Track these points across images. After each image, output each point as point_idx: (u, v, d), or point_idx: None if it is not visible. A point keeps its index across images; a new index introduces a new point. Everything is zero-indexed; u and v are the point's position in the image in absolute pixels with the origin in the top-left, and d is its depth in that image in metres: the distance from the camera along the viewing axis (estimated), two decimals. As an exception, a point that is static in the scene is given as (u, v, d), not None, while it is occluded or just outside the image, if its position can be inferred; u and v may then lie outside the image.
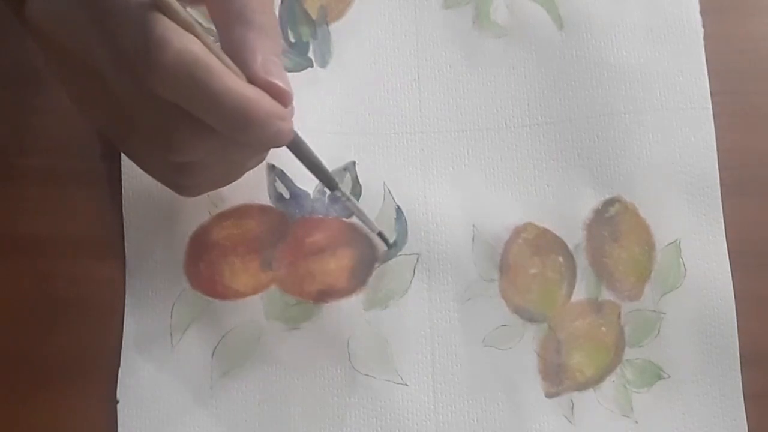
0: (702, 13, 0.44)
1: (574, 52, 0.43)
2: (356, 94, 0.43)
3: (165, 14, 0.27)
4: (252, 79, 0.29)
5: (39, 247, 0.41)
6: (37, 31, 0.31)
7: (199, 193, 0.37)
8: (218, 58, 0.28)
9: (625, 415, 0.40)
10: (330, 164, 0.42)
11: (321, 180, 0.36)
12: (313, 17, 0.44)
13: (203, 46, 0.28)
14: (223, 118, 0.29)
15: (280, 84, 0.30)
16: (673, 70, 0.43)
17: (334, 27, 0.44)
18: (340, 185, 0.37)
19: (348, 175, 0.42)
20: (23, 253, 0.41)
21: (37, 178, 0.42)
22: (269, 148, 0.33)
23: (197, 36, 0.28)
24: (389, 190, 0.42)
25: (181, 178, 0.33)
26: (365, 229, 0.41)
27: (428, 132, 0.43)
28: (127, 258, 0.41)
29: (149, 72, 0.27)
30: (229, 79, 0.28)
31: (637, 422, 0.39)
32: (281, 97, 0.30)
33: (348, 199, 0.37)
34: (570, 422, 0.39)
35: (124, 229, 0.41)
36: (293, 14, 0.44)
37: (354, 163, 0.42)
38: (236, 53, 0.30)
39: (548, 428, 0.39)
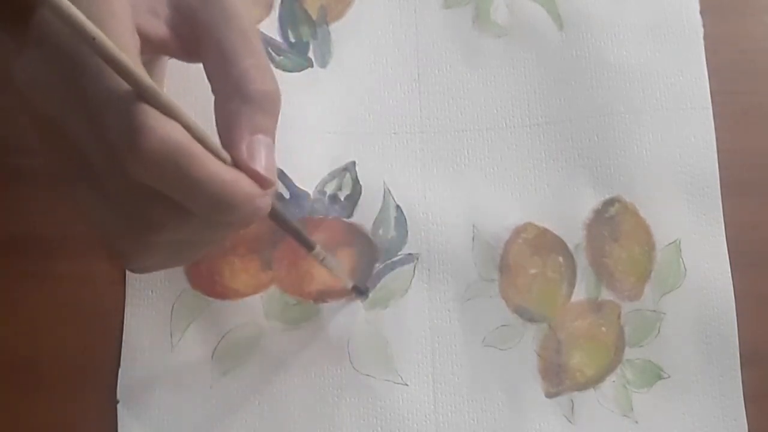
0: (702, 13, 0.44)
1: (574, 52, 0.43)
2: (356, 94, 0.43)
3: (148, 101, 0.27)
4: (235, 161, 0.29)
5: (39, 247, 0.41)
6: (22, 93, 0.30)
7: (153, 270, 0.36)
8: (200, 139, 0.28)
9: (625, 415, 0.40)
10: (330, 164, 0.42)
11: (299, 242, 0.36)
12: (313, 17, 0.44)
13: (186, 133, 0.27)
14: (204, 204, 0.28)
15: (261, 171, 0.29)
16: (673, 70, 0.43)
17: (334, 27, 0.44)
18: (316, 248, 0.36)
19: (348, 175, 0.42)
20: (23, 253, 0.41)
21: (37, 179, 0.42)
22: (247, 226, 0.33)
23: (180, 121, 0.27)
24: (389, 190, 0.42)
25: (145, 257, 0.32)
26: (365, 228, 0.41)
27: (428, 132, 0.43)
28: (127, 258, 0.41)
29: (131, 158, 0.27)
30: (212, 166, 0.28)
31: (637, 422, 0.39)
32: (261, 183, 0.29)
33: (324, 258, 0.37)
34: (570, 422, 0.39)
35: (124, 229, 0.41)
36: (293, 14, 0.44)
37: (354, 163, 0.42)
38: (226, 126, 0.30)
39: (548, 428, 0.39)
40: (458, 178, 0.42)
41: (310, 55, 0.43)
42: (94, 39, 0.25)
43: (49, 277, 0.41)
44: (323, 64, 0.43)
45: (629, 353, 0.40)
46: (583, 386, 0.40)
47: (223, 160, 0.29)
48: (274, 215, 0.33)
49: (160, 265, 0.35)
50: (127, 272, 0.41)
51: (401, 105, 0.43)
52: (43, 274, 0.41)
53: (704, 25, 0.43)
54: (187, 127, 0.28)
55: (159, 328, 0.40)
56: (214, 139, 0.29)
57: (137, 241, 0.31)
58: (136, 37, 0.30)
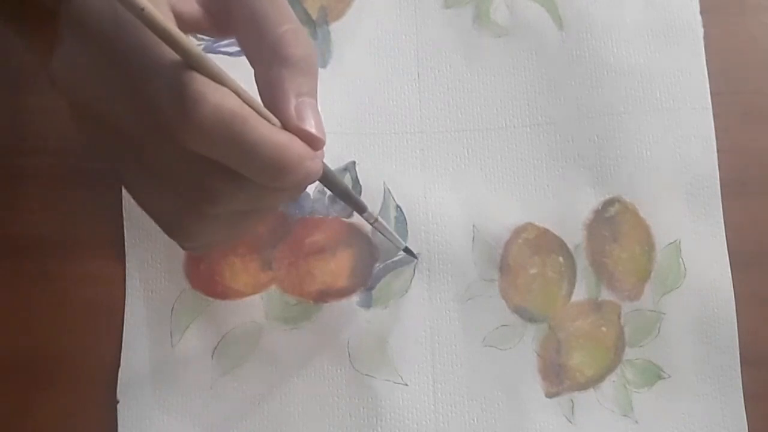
0: (702, 13, 0.44)
1: (574, 52, 0.43)
2: (356, 94, 0.43)
3: (197, 69, 0.27)
4: (285, 124, 0.29)
5: (39, 247, 0.41)
6: (61, 88, 0.30)
7: (208, 249, 0.36)
8: (250, 105, 0.28)
9: (625, 415, 0.40)
10: (330, 164, 0.42)
11: (350, 205, 0.36)
12: (313, 17, 0.44)
13: (237, 99, 0.28)
14: (259, 168, 0.29)
15: (312, 131, 0.30)
16: (673, 70, 0.43)
17: (334, 27, 0.44)
18: (368, 209, 0.37)
19: (348, 175, 0.42)
20: (23, 253, 0.41)
21: (37, 178, 0.42)
22: (301, 190, 0.33)
23: (229, 87, 0.28)
24: (389, 190, 0.42)
25: (202, 232, 0.33)
26: (365, 228, 0.41)
27: (428, 132, 0.43)
28: (127, 258, 0.41)
29: (185, 128, 0.27)
30: (264, 130, 0.28)
31: (637, 422, 0.39)
32: (313, 143, 0.30)
33: (376, 220, 0.37)
34: (570, 422, 0.39)
35: (124, 229, 0.41)
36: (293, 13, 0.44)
37: (354, 163, 0.42)
38: (270, 94, 0.30)
39: (548, 428, 0.39)
40: (458, 178, 0.42)
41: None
42: (143, 9, 0.25)
43: (49, 277, 0.41)
44: (323, 64, 0.43)
45: (629, 353, 0.40)
46: (583, 386, 0.40)
47: (273, 125, 0.29)
48: (325, 177, 0.33)
49: (215, 242, 0.35)
50: (127, 272, 0.41)
51: (401, 105, 0.43)
52: (43, 274, 0.41)
53: (704, 25, 0.43)
54: (237, 93, 0.28)
55: (159, 328, 0.40)
56: (262, 104, 0.29)
57: (193, 216, 0.31)
58: (171, 14, 0.30)
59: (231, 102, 0.27)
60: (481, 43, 0.44)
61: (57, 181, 0.42)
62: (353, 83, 0.43)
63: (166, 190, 0.31)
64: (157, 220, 0.33)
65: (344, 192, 0.35)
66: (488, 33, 0.44)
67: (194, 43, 0.27)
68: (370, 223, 0.37)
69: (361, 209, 0.36)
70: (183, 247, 0.34)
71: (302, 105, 0.30)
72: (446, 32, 0.44)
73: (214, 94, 0.27)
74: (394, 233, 0.39)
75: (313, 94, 0.31)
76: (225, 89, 0.28)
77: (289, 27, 0.31)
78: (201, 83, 0.27)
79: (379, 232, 0.38)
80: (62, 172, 0.42)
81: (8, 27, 0.43)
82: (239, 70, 0.30)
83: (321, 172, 0.31)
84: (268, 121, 0.29)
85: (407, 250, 0.40)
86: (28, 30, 0.43)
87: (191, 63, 0.27)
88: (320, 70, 0.43)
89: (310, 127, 0.30)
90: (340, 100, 0.43)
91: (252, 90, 0.30)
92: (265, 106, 0.30)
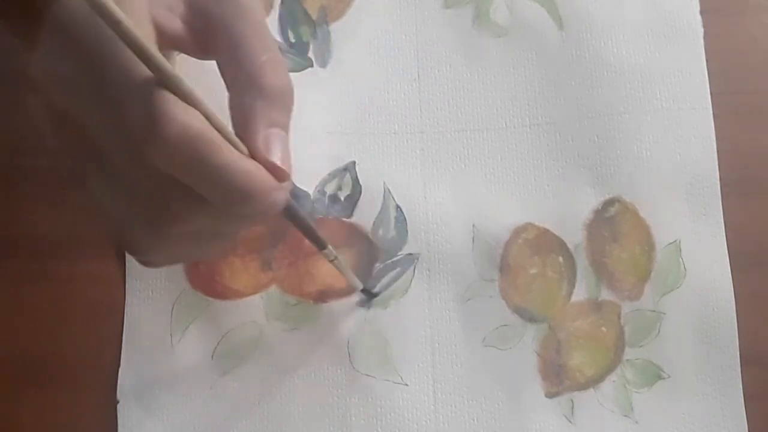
0: (702, 13, 0.44)
1: (574, 52, 0.43)
2: (356, 94, 0.43)
3: (169, 88, 0.27)
4: (252, 153, 0.29)
5: (39, 247, 0.41)
6: (39, 90, 0.30)
7: (163, 265, 0.36)
8: (219, 129, 0.28)
9: (625, 415, 0.40)
10: (330, 164, 0.42)
11: (311, 240, 0.36)
12: (313, 17, 0.44)
13: (206, 121, 0.28)
14: (221, 192, 0.29)
15: (278, 163, 0.30)
16: (673, 70, 0.43)
17: (334, 27, 0.44)
18: (328, 247, 0.36)
19: (348, 175, 0.42)
20: (23, 253, 0.41)
21: (37, 178, 0.42)
22: (262, 219, 0.33)
23: (200, 109, 0.28)
24: (389, 190, 0.42)
25: (158, 249, 0.32)
26: (365, 228, 0.41)
27: (428, 132, 0.43)
28: (127, 258, 0.41)
29: (151, 145, 0.27)
30: (230, 155, 0.28)
31: (637, 422, 0.39)
32: (277, 175, 0.30)
33: (336, 258, 0.37)
34: (570, 422, 0.39)
35: (124, 229, 0.41)
36: (293, 14, 0.44)
37: (354, 163, 0.42)
38: (242, 121, 0.30)
39: (548, 428, 0.39)
40: (458, 178, 0.42)
41: (310, 55, 0.43)
42: (119, 23, 0.25)
43: (49, 277, 0.41)
44: (323, 64, 0.43)
45: (629, 353, 0.40)
46: (583, 386, 0.40)
47: (240, 152, 0.29)
48: (288, 211, 0.33)
49: (171, 260, 0.35)
50: (127, 272, 0.41)
51: (401, 105, 0.43)
52: (43, 274, 0.41)
53: (704, 25, 0.43)
54: (207, 117, 0.28)
55: (159, 328, 0.40)
56: (231, 130, 0.29)
57: (152, 233, 0.31)
58: (152, 29, 0.30)
59: (198, 124, 0.27)
60: (481, 43, 0.44)
61: (57, 181, 0.41)
62: (353, 83, 0.43)
63: (128, 203, 0.31)
64: (117, 231, 0.33)
65: (306, 226, 0.35)
66: (488, 33, 0.44)
67: (167, 63, 0.27)
68: (329, 261, 0.37)
69: (321, 245, 0.36)
70: (138, 261, 0.34)
71: (271, 136, 0.30)
72: (446, 32, 0.44)
73: (182, 114, 0.27)
74: (352, 275, 0.39)
75: (284, 126, 0.31)
76: (194, 111, 0.28)
77: (268, 57, 0.30)
78: (170, 102, 0.27)
79: (338, 269, 0.38)
80: (62, 173, 0.42)
81: (8, 27, 0.43)
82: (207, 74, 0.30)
83: (284, 203, 0.31)
84: (236, 147, 0.29)
85: (365, 291, 0.40)
86: (28, 30, 0.43)
87: (164, 81, 0.27)
88: (320, 70, 0.43)
89: (276, 158, 0.30)
90: (340, 100, 0.43)
91: (223, 112, 0.30)
92: (236, 133, 0.30)
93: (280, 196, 0.30)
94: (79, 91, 0.29)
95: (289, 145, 0.31)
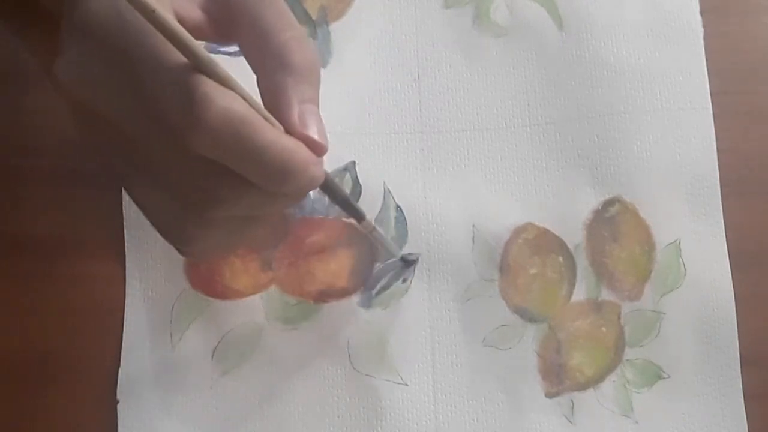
0: (702, 13, 0.44)
1: (574, 52, 0.43)
2: (356, 94, 0.43)
3: (205, 72, 0.27)
4: (288, 130, 0.30)
5: (39, 247, 0.41)
6: (66, 92, 0.30)
7: (209, 257, 0.36)
8: (256, 110, 0.28)
9: (625, 415, 0.40)
10: (330, 164, 0.42)
11: (348, 213, 0.36)
12: (313, 17, 0.44)
13: (244, 102, 0.28)
14: (265, 172, 0.29)
15: (316, 137, 0.30)
16: (673, 70, 0.43)
17: (334, 27, 0.44)
18: (366, 218, 0.36)
19: (348, 175, 0.42)
20: (23, 253, 0.41)
21: (37, 178, 0.42)
22: (303, 197, 0.33)
23: (237, 91, 0.28)
24: (389, 190, 0.42)
25: (202, 237, 0.33)
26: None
27: (428, 132, 0.43)
28: (127, 258, 0.41)
29: (192, 131, 0.27)
30: (271, 134, 0.28)
31: (637, 422, 0.39)
32: (316, 149, 0.30)
33: (374, 229, 0.37)
34: (570, 422, 0.39)
35: (124, 229, 0.41)
36: (293, 14, 0.44)
37: (354, 163, 0.42)
38: (273, 100, 0.30)
39: (548, 428, 0.39)
40: (458, 178, 0.42)
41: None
42: (153, 11, 0.25)
43: (49, 277, 0.41)
44: (323, 64, 0.43)
45: (629, 353, 0.40)
46: (583, 386, 0.40)
47: (278, 130, 0.29)
48: (326, 185, 0.33)
49: (216, 249, 0.35)
50: (127, 272, 0.41)
51: (401, 105, 0.43)
52: (43, 274, 0.41)
53: (704, 25, 0.43)
54: (244, 98, 0.28)
55: (159, 328, 0.40)
56: (266, 111, 0.30)
57: (193, 220, 0.31)
58: (176, 20, 0.30)
59: (239, 106, 0.28)
60: (481, 43, 0.44)
61: (57, 181, 0.42)
62: (353, 83, 0.43)
63: (168, 193, 0.31)
64: (156, 224, 0.33)
65: (344, 200, 0.35)
66: (488, 33, 0.44)
67: (202, 47, 0.27)
68: (368, 232, 0.37)
69: (359, 217, 0.36)
70: (181, 252, 0.34)
71: (305, 111, 0.30)
72: (446, 32, 0.44)
73: (222, 98, 0.27)
74: (392, 243, 0.39)
75: (315, 101, 0.31)
76: (232, 93, 0.28)
77: (292, 34, 0.31)
78: (209, 86, 0.27)
79: (376, 240, 0.38)
80: (62, 172, 0.42)
81: (8, 27, 0.43)
82: (238, 71, 0.30)
83: (323, 178, 0.31)
84: (273, 126, 0.29)
85: (404, 259, 0.40)
86: (28, 30, 0.43)
87: (199, 66, 0.27)
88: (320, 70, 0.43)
89: (313, 133, 0.30)
90: (340, 100, 0.43)
91: (254, 94, 0.30)
92: (268, 112, 0.30)
93: (319, 170, 0.30)
94: (109, 87, 0.29)
95: (322, 119, 0.31)
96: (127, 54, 0.28)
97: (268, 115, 0.29)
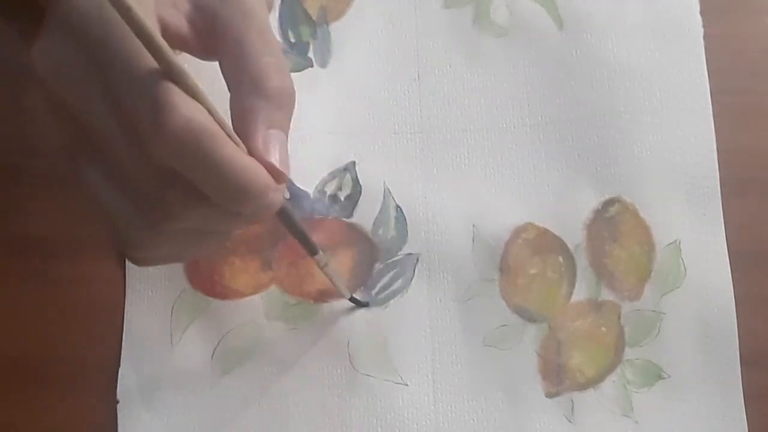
0: (702, 13, 0.44)
1: (574, 52, 0.43)
2: (356, 94, 0.43)
3: (174, 81, 0.27)
4: (251, 153, 0.30)
5: (39, 247, 0.41)
6: (38, 75, 0.30)
7: (157, 263, 0.36)
8: (220, 125, 0.28)
9: (625, 415, 0.40)
10: (330, 164, 0.42)
11: (303, 246, 0.36)
12: (313, 17, 0.44)
13: (209, 116, 0.28)
14: (222, 188, 0.29)
15: (276, 164, 0.30)
16: (673, 70, 0.43)
17: (334, 27, 0.44)
18: (319, 253, 0.36)
19: (348, 175, 0.42)
20: (23, 253, 0.41)
21: (37, 178, 0.42)
22: (258, 220, 0.33)
23: (203, 104, 0.28)
24: (389, 190, 0.42)
25: (152, 246, 0.32)
26: (365, 228, 0.41)
27: (428, 132, 0.43)
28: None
29: (154, 136, 0.27)
30: (232, 151, 0.28)
31: (637, 422, 0.39)
32: (276, 176, 0.30)
33: (326, 265, 0.37)
34: (570, 422, 0.39)
35: (124, 229, 0.41)
36: (293, 14, 0.44)
37: (354, 163, 0.42)
38: (242, 121, 0.30)
39: (548, 428, 0.39)
40: (458, 178, 0.42)
41: (310, 55, 0.44)
42: (129, 9, 0.26)
43: (49, 277, 0.41)
44: (323, 64, 0.43)
45: (629, 353, 0.40)
46: (583, 386, 0.40)
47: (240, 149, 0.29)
48: (283, 214, 0.33)
49: (165, 258, 0.35)
50: (127, 272, 0.41)
51: (401, 105, 0.43)
52: (43, 274, 0.41)
53: (704, 25, 0.43)
54: (210, 112, 0.28)
55: (159, 328, 0.40)
56: (231, 128, 0.30)
57: (149, 229, 0.31)
58: (157, 25, 0.30)
59: (202, 117, 0.28)
60: (481, 43, 0.44)
61: (57, 181, 0.41)
62: (353, 83, 0.43)
63: (126, 197, 0.31)
64: (112, 227, 0.33)
65: (299, 231, 0.35)
66: (488, 33, 0.44)
67: (174, 54, 0.27)
68: (320, 267, 0.37)
69: (312, 251, 0.36)
70: (130, 258, 0.34)
71: (270, 137, 0.30)
72: (446, 32, 0.44)
73: (187, 107, 0.27)
74: (341, 285, 0.39)
75: (285, 128, 0.31)
76: (198, 104, 0.28)
77: (272, 59, 0.31)
78: (175, 95, 0.27)
79: (327, 276, 0.38)
80: (62, 172, 0.42)
81: (8, 27, 0.43)
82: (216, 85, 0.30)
83: (279, 205, 0.31)
84: (237, 144, 0.29)
85: (353, 300, 0.40)
86: (28, 30, 0.43)
87: (169, 73, 0.27)
88: (320, 70, 0.43)
89: (275, 160, 0.30)
90: (340, 99, 0.43)
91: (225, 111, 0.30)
92: (236, 132, 0.30)
93: (277, 197, 0.30)
94: (81, 82, 0.29)
95: (288, 148, 0.31)
96: (102, 49, 0.28)
97: (233, 133, 0.29)
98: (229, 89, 0.31)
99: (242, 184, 0.29)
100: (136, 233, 0.31)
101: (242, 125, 0.30)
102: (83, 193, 0.32)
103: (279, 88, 0.31)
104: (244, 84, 0.31)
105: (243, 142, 0.30)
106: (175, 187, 0.29)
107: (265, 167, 0.30)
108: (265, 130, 0.30)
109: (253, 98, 0.30)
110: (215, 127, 0.28)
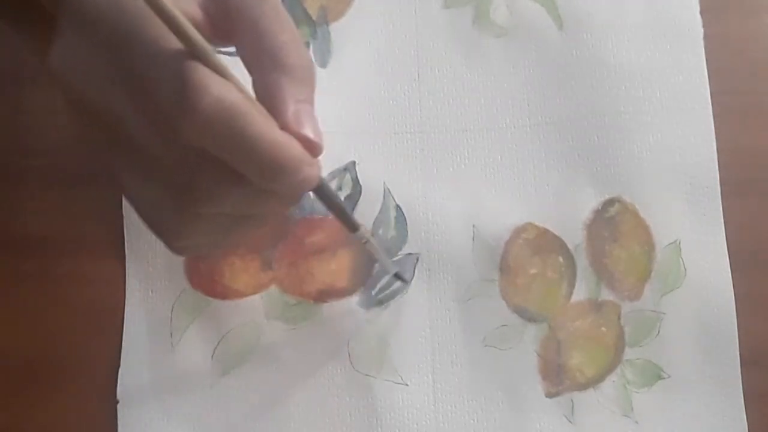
0: (702, 13, 0.44)
1: (574, 52, 0.43)
2: (356, 94, 0.43)
3: (200, 60, 0.27)
4: (284, 128, 0.29)
5: (39, 247, 0.41)
6: (60, 83, 0.30)
7: (196, 252, 0.35)
8: (252, 103, 0.28)
9: (625, 415, 0.40)
10: (330, 164, 0.42)
11: (343, 222, 0.36)
12: (313, 17, 0.44)
13: (239, 93, 0.28)
14: (257, 164, 0.28)
15: (311, 136, 0.30)
16: (673, 70, 0.43)
17: (334, 27, 0.44)
18: (360, 229, 0.36)
19: (348, 175, 0.42)
20: (23, 253, 0.41)
21: (37, 178, 0.42)
22: (295, 198, 0.33)
23: (233, 82, 0.28)
24: (389, 190, 0.42)
25: (191, 233, 0.32)
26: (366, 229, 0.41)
27: (428, 132, 0.43)
28: (127, 258, 0.41)
29: (185, 119, 0.27)
30: (264, 126, 0.28)
31: (637, 422, 0.39)
32: (311, 148, 0.30)
33: (368, 241, 0.37)
34: (570, 422, 0.39)
35: (124, 229, 0.41)
36: (293, 14, 0.44)
37: (354, 163, 0.42)
38: (269, 99, 0.30)
39: (548, 428, 0.39)
40: (458, 178, 0.42)
41: (310, 55, 0.43)
42: None
43: (49, 277, 0.41)
44: (323, 64, 0.43)
45: (629, 353, 0.40)
46: (583, 386, 0.40)
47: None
48: (321, 189, 0.33)
49: (204, 247, 0.34)
50: (127, 272, 0.41)
51: (401, 105, 0.43)
52: (43, 274, 0.41)
53: (704, 25, 0.43)
54: (240, 89, 0.28)
55: (159, 328, 0.40)
56: (261, 107, 0.29)
57: (183, 214, 0.31)
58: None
59: (233, 95, 0.27)
60: (481, 43, 0.44)
61: (57, 181, 0.42)
62: (353, 83, 0.43)
63: (159, 186, 0.31)
64: (147, 218, 0.33)
65: (339, 207, 0.35)
66: (488, 33, 0.44)
67: (199, 34, 0.27)
68: (362, 243, 0.37)
69: (353, 227, 0.36)
70: (170, 248, 0.34)
71: (301, 111, 0.30)
72: (446, 32, 0.44)
73: (216, 86, 0.27)
74: (386, 258, 0.39)
75: (311, 102, 0.31)
76: (227, 82, 0.28)
77: (289, 37, 0.31)
78: (205, 74, 0.27)
79: (371, 251, 0.38)
80: (62, 172, 0.42)
81: (8, 27, 0.43)
82: (236, 72, 0.30)
83: (317, 180, 0.31)
84: (268, 119, 0.29)
85: (397, 275, 0.40)
86: (28, 30, 0.43)
87: (195, 53, 0.27)
88: (320, 70, 0.43)
89: (309, 132, 0.30)
90: (340, 100, 0.43)
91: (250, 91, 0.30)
92: None
93: (313, 171, 0.30)
94: (102, 74, 0.29)
95: (318, 121, 0.30)
96: (123, 41, 0.28)
97: (263, 109, 0.29)
98: (249, 71, 0.31)
99: (277, 159, 0.28)
100: (172, 222, 0.31)
101: (270, 102, 0.30)
102: (116, 187, 0.32)
103: (300, 62, 0.30)
104: (265, 63, 0.30)
105: (273, 118, 0.29)
106: (208, 169, 0.29)
107: (299, 140, 0.29)
108: (294, 104, 0.30)
109: (276, 75, 0.30)
110: (246, 104, 0.28)
